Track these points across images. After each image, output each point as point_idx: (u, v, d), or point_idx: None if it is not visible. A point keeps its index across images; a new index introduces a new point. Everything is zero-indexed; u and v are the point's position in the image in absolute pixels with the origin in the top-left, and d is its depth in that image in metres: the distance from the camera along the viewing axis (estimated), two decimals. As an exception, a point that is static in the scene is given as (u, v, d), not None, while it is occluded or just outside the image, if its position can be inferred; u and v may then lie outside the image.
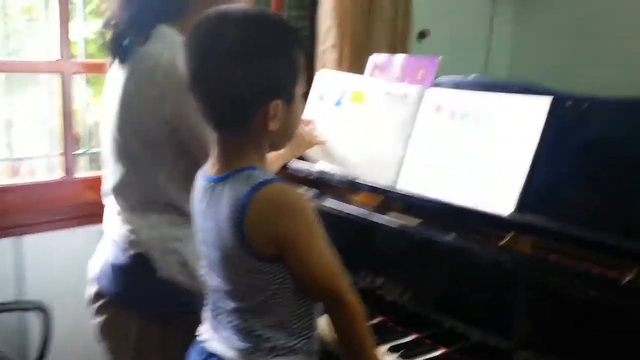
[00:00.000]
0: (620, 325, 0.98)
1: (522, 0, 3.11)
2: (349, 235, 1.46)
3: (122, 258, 1.26)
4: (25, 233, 1.82)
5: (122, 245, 1.26)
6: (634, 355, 0.97)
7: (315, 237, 0.98)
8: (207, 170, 1.04)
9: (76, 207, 1.92)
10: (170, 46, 1.18)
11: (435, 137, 1.39)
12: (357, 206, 1.46)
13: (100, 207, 1.96)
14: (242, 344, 1.02)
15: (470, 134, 1.32)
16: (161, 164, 1.23)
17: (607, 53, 2.86)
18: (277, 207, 0.97)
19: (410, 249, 1.30)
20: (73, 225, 1.90)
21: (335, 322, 1.01)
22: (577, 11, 2.94)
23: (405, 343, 1.21)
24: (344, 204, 1.47)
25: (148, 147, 1.22)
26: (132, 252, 1.24)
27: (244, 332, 1.02)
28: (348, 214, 1.43)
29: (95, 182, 1.99)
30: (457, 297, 1.22)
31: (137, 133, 1.21)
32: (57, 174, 1.98)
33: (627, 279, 1.00)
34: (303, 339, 1.03)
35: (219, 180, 1.00)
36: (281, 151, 1.28)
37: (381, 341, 1.21)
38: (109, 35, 1.26)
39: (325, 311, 1.02)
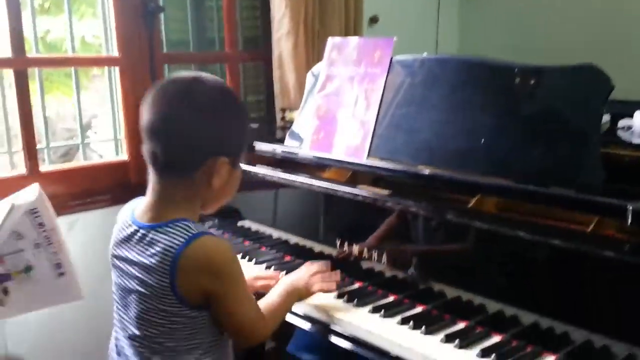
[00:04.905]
0: (588, 277, 1.05)
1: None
2: (321, 208, 1.52)
3: None
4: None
5: None
6: (604, 305, 1.04)
7: (240, 292, 1.09)
8: (137, 216, 1.09)
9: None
10: None
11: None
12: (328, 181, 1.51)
13: (68, 198, 1.96)
14: None
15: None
16: None
17: (551, 32, 2.99)
18: (208, 264, 1.04)
19: (382, 217, 1.36)
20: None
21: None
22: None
23: (386, 304, 1.27)
24: (315, 179, 1.51)
25: None
26: None
27: None
28: (319, 187, 1.48)
29: (61, 175, 1.98)
30: (429, 259, 1.28)
31: None
32: (15, 171, 1.94)
33: (591, 228, 1.08)
34: None
35: (151, 228, 1.05)
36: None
37: (362, 304, 1.27)
38: None
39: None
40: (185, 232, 1.03)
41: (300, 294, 1.26)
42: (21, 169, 1.91)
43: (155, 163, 1.07)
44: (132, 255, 1.07)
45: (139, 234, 1.07)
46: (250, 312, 1.12)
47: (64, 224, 1.89)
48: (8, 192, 1.82)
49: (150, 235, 1.05)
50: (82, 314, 1.62)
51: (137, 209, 1.11)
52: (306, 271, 1.32)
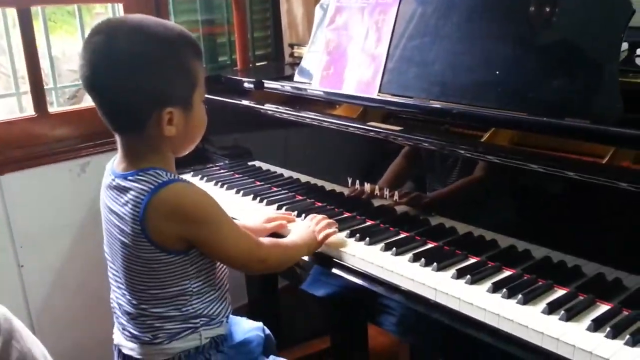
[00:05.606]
0: (602, 209, 1.03)
1: None
2: (332, 146, 1.50)
3: None
4: (3, 172, 1.78)
5: None
6: (618, 238, 1.02)
7: (224, 232, 1.06)
8: (114, 166, 1.08)
9: (53, 143, 1.90)
10: None
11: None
12: (338, 118, 1.48)
13: (79, 140, 1.95)
14: (141, 335, 1.10)
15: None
16: None
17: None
18: (178, 211, 1.02)
19: (393, 154, 1.34)
20: (51, 162, 1.87)
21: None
22: None
23: (398, 240, 1.27)
24: (325, 116, 1.49)
25: None
26: None
27: (141, 323, 1.09)
28: (330, 124, 1.46)
29: (71, 116, 1.97)
30: (441, 196, 1.26)
31: None
32: (24, 113, 1.92)
33: (606, 159, 1.05)
34: (203, 319, 1.11)
35: (124, 177, 1.04)
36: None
37: (374, 241, 1.27)
38: None
39: None
40: (155, 179, 1.02)
41: (310, 246, 1.25)
42: (30, 111, 1.90)
43: (102, 118, 1.05)
44: (112, 204, 1.07)
45: (114, 183, 1.06)
46: (242, 244, 1.11)
47: (76, 166, 1.90)
48: (19, 134, 1.83)
49: (123, 184, 1.04)
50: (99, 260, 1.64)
51: (116, 158, 1.11)
52: (311, 222, 1.31)
